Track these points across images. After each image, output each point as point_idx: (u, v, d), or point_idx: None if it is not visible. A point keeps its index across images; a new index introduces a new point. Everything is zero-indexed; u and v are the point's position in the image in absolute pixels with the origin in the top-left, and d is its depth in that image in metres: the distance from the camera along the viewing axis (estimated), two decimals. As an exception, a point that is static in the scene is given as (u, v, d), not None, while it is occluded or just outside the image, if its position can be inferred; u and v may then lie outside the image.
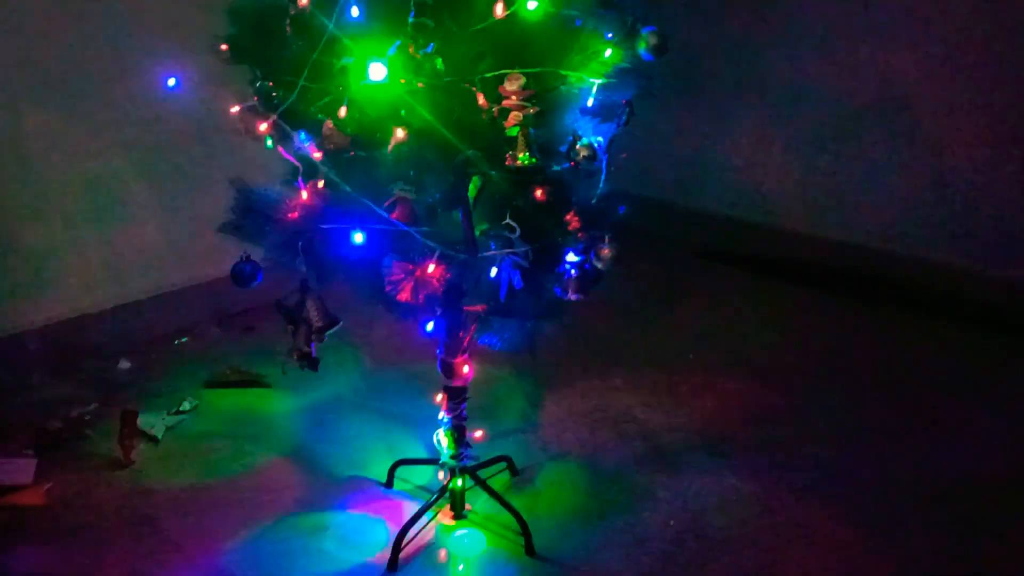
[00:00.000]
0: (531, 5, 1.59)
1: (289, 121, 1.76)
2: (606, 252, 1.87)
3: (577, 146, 1.74)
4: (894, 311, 2.85)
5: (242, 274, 1.77)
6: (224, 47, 1.80)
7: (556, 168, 1.78)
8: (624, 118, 1.87)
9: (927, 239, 2.77)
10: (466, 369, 1.99)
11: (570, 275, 1.88)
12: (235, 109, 1.78)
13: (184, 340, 2.88)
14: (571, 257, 1.87)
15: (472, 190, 1.81)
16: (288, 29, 1.63)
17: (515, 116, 1.66)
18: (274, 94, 1.77)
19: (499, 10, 1.57)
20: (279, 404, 2.55)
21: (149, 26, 2.49)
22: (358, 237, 1.71)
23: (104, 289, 2.73)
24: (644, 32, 1.71)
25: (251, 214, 1.82)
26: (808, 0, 2.69)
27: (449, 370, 1.99)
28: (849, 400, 2.50)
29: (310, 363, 1.81)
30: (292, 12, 1.62)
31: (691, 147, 3.24)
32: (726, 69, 3.02)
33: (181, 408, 2.51)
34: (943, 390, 2.48)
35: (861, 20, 2.63)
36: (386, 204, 1.67)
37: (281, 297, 1.82)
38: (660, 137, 3.17)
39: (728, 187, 3.23)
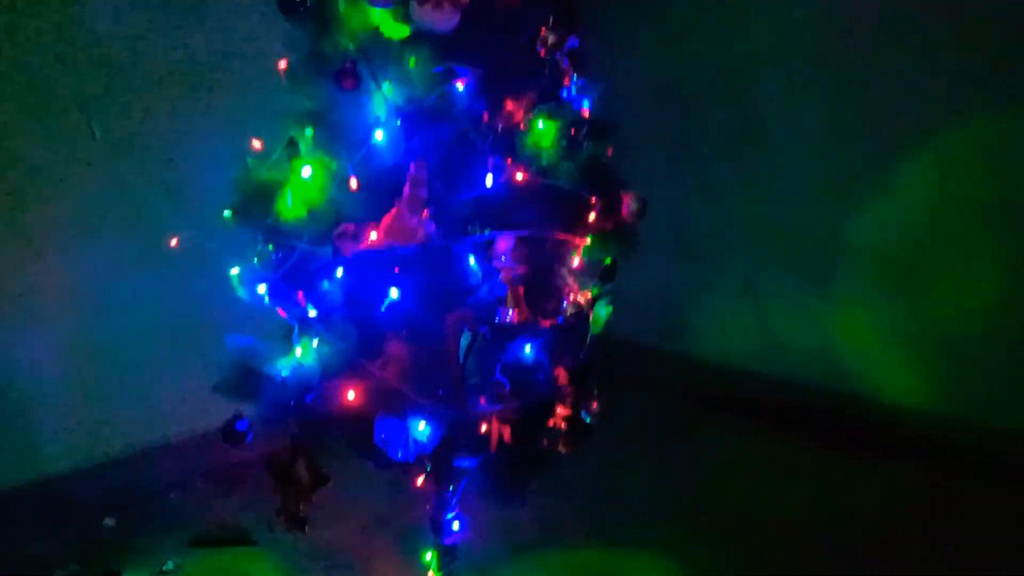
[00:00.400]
0: (520, 177, 1.70)
1: (288, 281, 1.83)
2: (595, 406, 1.90)
3: (564, 303, 1.81)
4: (882, 459, 2.84)
5: (234, 433, 1.78)
6: (228, 213, 1.90)
7: (545, 324, 1.84)
8: (608, 275, 1.96)
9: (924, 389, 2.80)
10: (457, 526, 1.97)
11: (560, 429, 1.90)
12: (235, 270, 1.85)
13: (173, 496, 2.83)
14: (560, 411, 1.90)
15: (463, 347, 1.86)
16: (289, 200, 1.73)
17: (505, 275, 1.74)
18: (274, 255, 1.85)
19: (489, 180, 1.67)
20: (266, 564, 2.48)
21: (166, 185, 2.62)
22: (350, 394, 1.74)
23: (93, 444, 2.71)
24: (624, 198, 1.82)
25: (245, 371, 1.85)
26: (794, 157, 2.84)
27: (439, 527, 1.96)
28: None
29: (298, 524, 1.79)
30: (293, 183, 1.72)
31: (680, 293, 3.34)
32: (711, 219, 3.15)
33: (164, 568, 2.43)
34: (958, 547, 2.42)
35: (843, 169, 2.77)
36: (378, 363, 1.71)
37: (271, 455, 1.82)
38: (650, 285, 3.28)
39: (719, 332, 3.30)
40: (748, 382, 3.17)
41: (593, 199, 1.83)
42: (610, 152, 1.95)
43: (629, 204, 1.83)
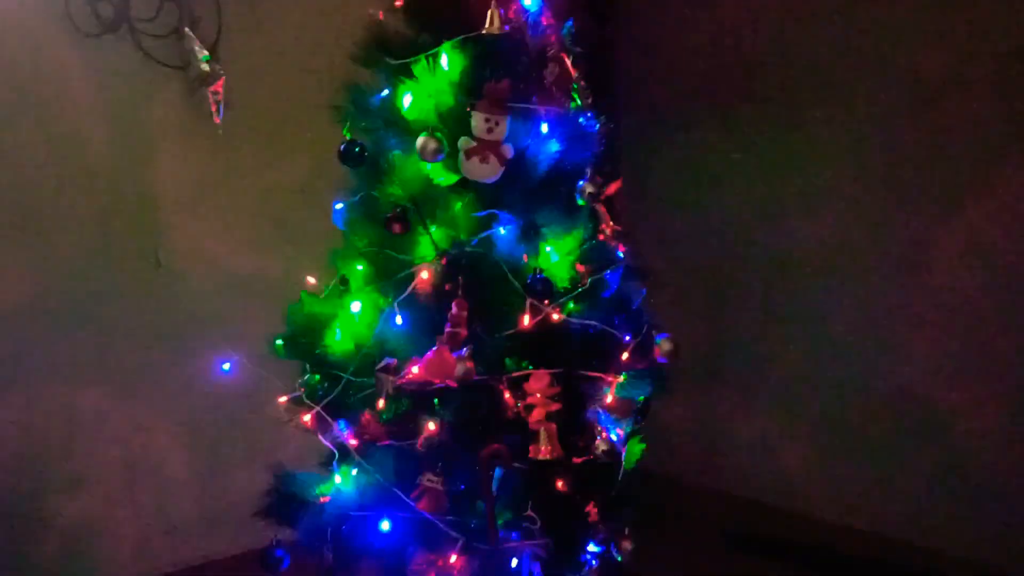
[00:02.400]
0: (555, 317, 1.80)
1: (330, 411, 1.93)
2: (627, 544, 1.92)
3: (597, 439, 1.86)
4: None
5: (271, 559, 1.83)
6: (279, 340, 2.02)
7: (577, 460, 1.89)
8: (642, 413, 2.01)
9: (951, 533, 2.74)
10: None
11: (591, 566, 1.91)
12: (283, 399, 1.95)
13: (204, 619, 2.85)
14: (592, 548, 1.92)
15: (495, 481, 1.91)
16: (337, 333, 1.85)
17: (539, 412, 1.81)
18: (319, 386, 1.95)
19: (526, 321, 1.77)
20: None
21: (212, 318, 2.77)
22: (385, 524, 1.79)
23: (133, 564, 2.77)
24: (659, 339, 1.90)
25: (285, 497, 1.92)
26: (819, 296, 2.91)
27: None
28: None
29: (328, 655, 1.80)
30: (342, 317, 1.84)
31: (711, 427, 3.35)
32: (742, 362, 3.20)
33: None
34: None
35: (874, 317, 2.83)
36: (413, 494, 1.77)
37: (306, 584, 1.86)
38: (680, 418, 3.30)
39: (750, 469, 3.28)
40: (786, 521, 3.12)
41: (627, 339, 1.90)
42: (644, 293, 2.04)
43: (662, 345, 1.89)
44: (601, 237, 2.03)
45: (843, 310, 2.90)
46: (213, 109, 2.60)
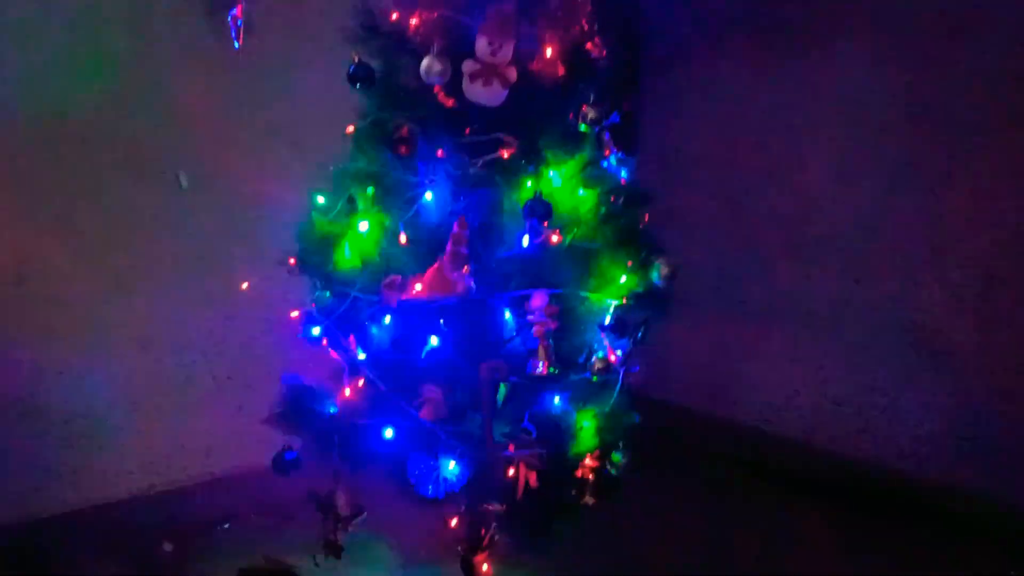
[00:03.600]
0: (555, 239, 1.87)
1: (340, 326, 2.04)
2: (620, 459, 2.02)
3: (593, 359, 1.96)
4: (925, 536, 2.83)
5: (283, 463, 1.97)
6: (292, 261, 2.13)
7: (574, 377, 1.99)
8: (640, 335, 2.09)
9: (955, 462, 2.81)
10: (485, 567, 2.09)
11: (586, 480, 2.03)
12: (295, 313, 2.06)
13: (226, 526, 3.03)
14: (587, 462, 2.03)
15: (500, 395, 2.02)
16: (346, 251, 1.95)
17: (538, 330, 1.90)
18: (329, 302, 2.06)
19: (525, 241, 1.85)
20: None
21: (233, 238, 2.88)
22: (388, 432, 1.91)
23: (159, 473, 2.95)
24: (658, 262, 1.97)
25: (297, 407, 2.06)
26: (845, 228, 2.94)
27: (470, 569, 2.09)
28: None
29: (334, 551, 1.95)
30: (350, 236, 1.94)
31: (715, 355, 3.42)
32: (759, 293, 3.25)
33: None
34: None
35: (897, 245, 2.85)
36: (416, 403, 1.88)
37: (314, 487, 2.00)
38: (699, 348, 3.38)
39: (756, 399, 3.35)
40: (797, 452, 3.20)
41: (628, 263, 1.97)
42: (646, 218, 2.10)
43: (661, 268, 1.96)
44: (605, 161, 2.09)
45: (865, 240, 2.93)
46: (233, 33, 2.67)
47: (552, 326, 1.90)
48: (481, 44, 1.78)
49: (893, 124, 2.77)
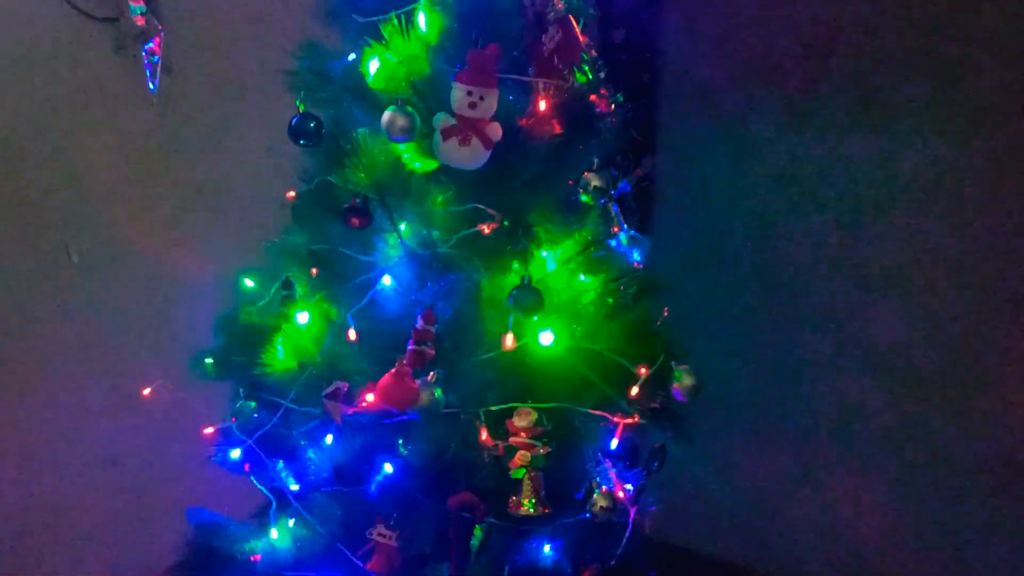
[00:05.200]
0: (545, 339, 1.87)
1: (267, 447, 2.01)
2: (630, 630, 1.97)
3: (595, 495, 1.93)
4: None
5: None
6: (209, 360, 2.12)
7: (570, 519, 1.95)
8: (656, 464, 2.07)
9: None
10: None
11: (585, 656, 1.97)
12: (209, 430, 2.04)
13: None
14: (586, 634, 1.98)
15: (474, 542, 1.98)
16: (279, 349, 1.94)
17: (522, 456, 1.88)
18: (255, 415, 2.04)
19: (508, 342, 1.85)
20: None
21: (134, 328, 2.87)
22: (326, 589, 1.87)
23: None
24: (677, 370, 1.96)
25: (207, 553, 2.00)
26: (910, 329, 2.95)
27: None
28: None
29: None
30: (285, 330, 1.93)
31: (755, 489, 3.37)
32: (802, 411, 3.24)
33: None
34: None
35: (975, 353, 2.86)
36: (361, 552, 1.84)
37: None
38: (716, 476, 3.34)
39: (809, 549, 3.30)
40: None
41: (640, 370, 1.97)
42: (665, 313, 2.11)
43: (682, 379, 1.95)
44: (613, 242, 2.11)
45: (941, 346, 2.94)
46: (148, 73, 2.72)
47: (542, 451, 1.88)
48: (458, 95, 1.81)
49: (975, 202, 2.82)
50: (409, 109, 1.81)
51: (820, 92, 3.05)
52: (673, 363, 1.97)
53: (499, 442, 1.90)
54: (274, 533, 2.00)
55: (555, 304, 1.93)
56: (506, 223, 1.90)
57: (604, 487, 1.95)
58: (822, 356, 3.16)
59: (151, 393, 2.35)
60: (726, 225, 3.32)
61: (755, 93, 3.18)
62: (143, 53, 2.69)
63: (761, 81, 3.16)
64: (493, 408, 1.91)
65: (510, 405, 1.92)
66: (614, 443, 1.96)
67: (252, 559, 1.98)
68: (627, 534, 2.00)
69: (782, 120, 3.14)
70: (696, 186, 3.38)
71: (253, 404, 2.05)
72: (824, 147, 3.07)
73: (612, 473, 1.99)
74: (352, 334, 1.92)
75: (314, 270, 2.07)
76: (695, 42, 3.31)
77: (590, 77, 2.05)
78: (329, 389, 1.87)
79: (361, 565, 1.85)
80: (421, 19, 1.87)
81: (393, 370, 1.83)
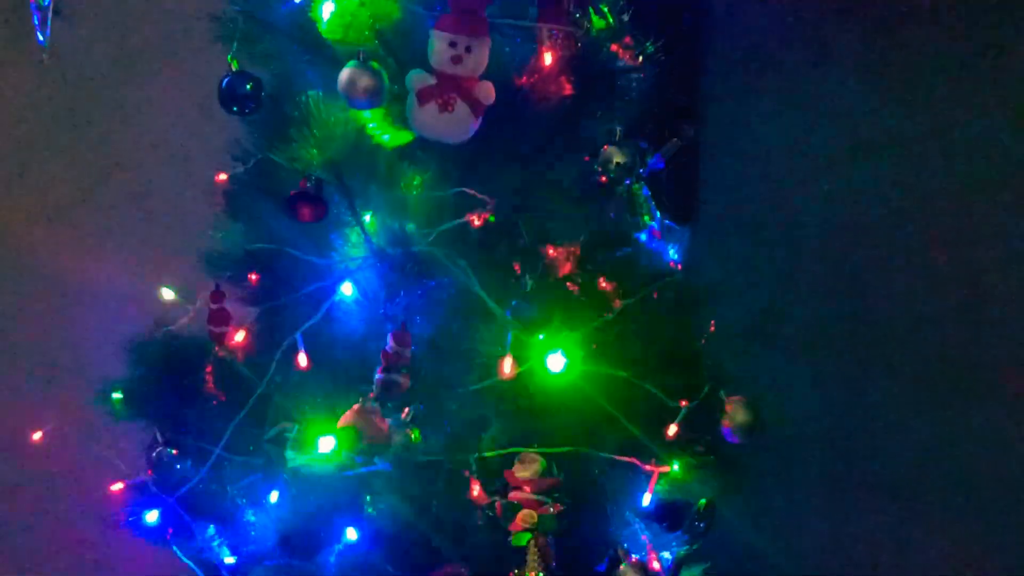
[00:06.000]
0: (555, 364, 1.87)
1: (194, 507, 2.01)
2: None
3: (622, 567, 1.93)
4: None
5: None
6: (118, 394, 2.12)
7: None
8: (702, 526, 2.07)
9: None
10: None
11: None
12: (118, 486, 2.04)
13: None
14: None
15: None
16: (208, 381, 1.95)
17: (526, 516, 1.88)
18: (177, 466, 2.04)
19: (507, 367, 1.85)
20: None
21: (21, 351, 2.87)
22: None
23: None
24: (728, 403, 1.97)
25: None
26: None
27: None
28: None
29: None
30: (214, 358, 1.94)
31: (828, 560, 3.36)
32: (901, 444, 3.22)
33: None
34: None
35: None
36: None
37: None
38: (770, 543, 3.32)
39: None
40: None
41: (681, 403, 1.97)
42: (712, 328, 2.12)
43: (734, 414, 1.95)
44: (642, 236, 2.11)
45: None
46: (35, 20, 2.73)
47: (552, 510, 1.88)
48: (438, 46, 1.82)
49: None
50: (375, 65, 1.81)
51: (929, 44, 3.04)
52: (722, 394, 1.98)
53: (496, 499, 1.90)
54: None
55: (567, 318, 1.93)
56: (502, 213, 1.91)
57: (633, 556, 1.95)
58: (922, 388, 3.14)
59: (42, 438, 2.35)
60: (792, 215, 3.30)
61: (833, 41, 3.18)
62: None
63: (841, 26, 3.15)
64: (488, 454, 1.92)
65: (510, 450, 1.93)
66: (647, 499, 1.95)
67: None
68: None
69: (870, 80, 3.13)
70: (753, 162, 3.37)
71: (175, 451, 2.05)
72: (930, 118, 3.05)
73: (644, 538, 1.99)
74: (303, 359, 1.92)
75: (253, 276, 2.07)
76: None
77: (610, 21, 2.05)
78: (274, 432, 1.87)
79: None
80: (388, -54, 1.88)
81: (356, 406, 1.84)
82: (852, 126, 3.16)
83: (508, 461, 1.92)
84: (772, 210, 3.31)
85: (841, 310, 3.25)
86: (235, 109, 1.98)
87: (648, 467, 1.95)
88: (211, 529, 2.02)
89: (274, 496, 1.97)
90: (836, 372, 3.27)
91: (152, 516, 2.04)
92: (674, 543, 2.03)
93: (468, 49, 1.80)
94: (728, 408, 1.96)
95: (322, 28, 1.88)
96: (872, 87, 3.11)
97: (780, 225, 3.30)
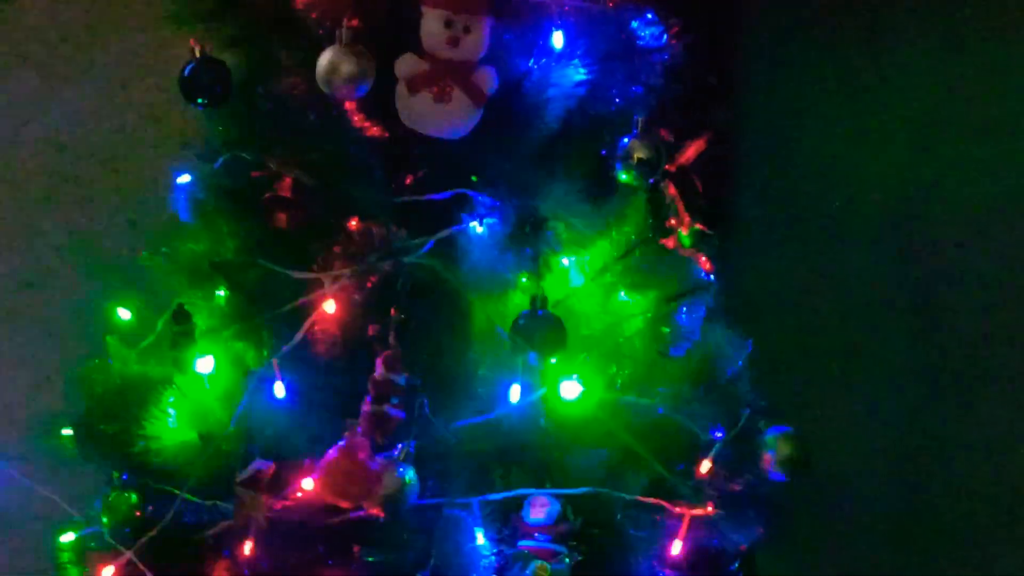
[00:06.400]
0: (570, 391, 1.87)
1: (156, 559, 2.01)
2: None
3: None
4: None
5: None
6: (67, 431, 2.11)
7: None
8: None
9: None
10: None
11: None
12: (67, 537, 2.04)
13: None
14: None
15: None
16: (170, 414, 1.94)
17: (539, 569, 1.88)
18: (136, 513, 2.04)
19: (515, 395, 1.85)
20: None
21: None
22: None
23: None
24: (770, 435, 1.96)
25: None
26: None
27: None
28: None
29: None
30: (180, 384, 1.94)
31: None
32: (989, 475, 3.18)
33: None
34: None
35: None
36: None
37: None
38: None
39: None
40: None
41: (715, 435, 1.97)
42: (749, 348, 2.11)
43: (778, 448, 1.95)
44: (669, 243, 2.11)
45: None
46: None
47: (567, 560, 1.88)
48: (431, 26, 1.82)
49: None
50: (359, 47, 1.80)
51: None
52: (763, 424, 1.97)
53: (503, 547, 1.89)
54: None
55: (583, 338, 1.94)
56: (507, 218, 1.91)
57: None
58: (1006, 420, 3.12)
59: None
60: (845, 216, 3.29)
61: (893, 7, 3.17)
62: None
63: None
64: (493, 497, 1.91)
65: (518, 492, 1.93)
66: (676, 547, 1.95)
67: None
68: None
69: (941, 54, 3.11)
70: (797, 154, 3.36)
71: (133, 497, 2.04)
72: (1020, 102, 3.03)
73: (676, 593, 1.98)
74: (280, 388, 1.92)
75: (221, 292, 2.07)
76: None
77: None
78: (247, 473, 1.87)
79: None
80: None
81: (342, 443, 1.84)
82: (917, 110, 3.13)
83: (516, 504, 1.91)
84: (821, 211, 3.28)
85: (905, 328, 3.22)
86: (200, 100, 1.96)
87: (678, 510, 1.94)
88: (175, 584, 2.00)
89: (247, 547, 1.96)
90: (900, 400, 3.25)
91: (108, 572, 2.03)
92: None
93: (467, 29, 1.81)
94: (770, 440, 1.95)
95: (297, 6, 1.90)
96: (943, 62, 3.08)
97: (830, 229, 3.28)
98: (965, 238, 3.09)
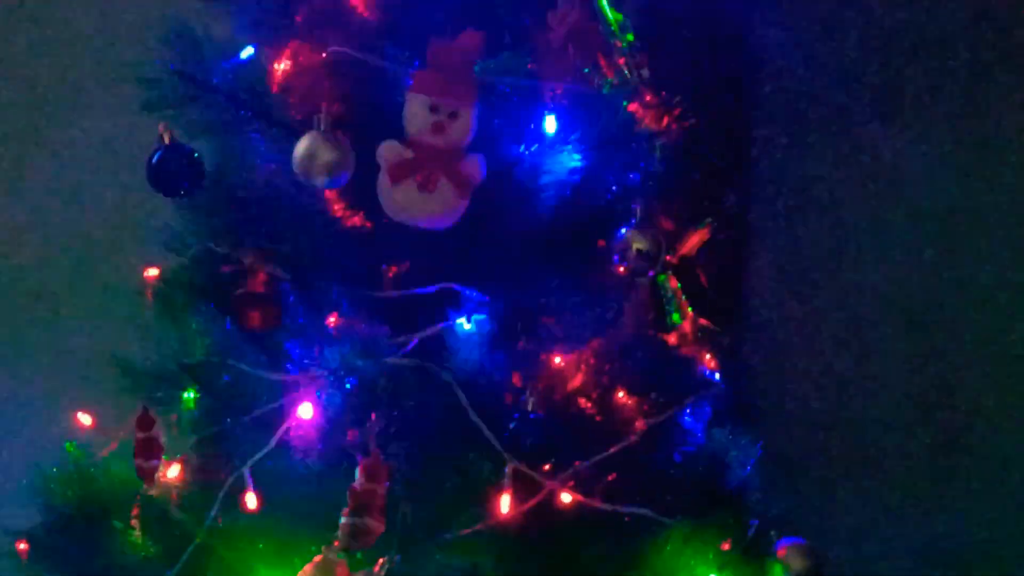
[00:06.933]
0: (566, 498, 1.91)
1: None
2: None
3: None
4: None
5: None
6: (22, 545, 2.14)
7: None
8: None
9: None
10: None
11: None
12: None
13: None
14: None
15: None
16: (135, 527, 1.97)
17: None
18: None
19: (505, 504, 1.89)
20: None
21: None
22: None
23: None
24: (780, 546, 2.00)
25: None
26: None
27: None
28: None
29: None
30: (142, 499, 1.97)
31: None
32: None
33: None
34: None
35: None
36: None
37: None
38: None
39: None
40: None
41: (723, 546, 2.01)
42: (759, 452, 2.14)
43: (790, 561, 1.98)
44: (671, 339, 2.14)
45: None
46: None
47: None
48: (415, 111, 1.87)
49: None
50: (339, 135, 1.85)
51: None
52: (773, 535, 2.01)
53: (494, 669, 1.92)
54: None
55: (578, 442, 1.98)
56: (496, 312, 1.94)
57: None
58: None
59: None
60: (867, 306, 3.30)
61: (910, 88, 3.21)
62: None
63: (919, 67, 3.18)
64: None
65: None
66: None
67: None
68: None
69: (958, 137, 3.15)
70: (814, 240, 3.38)
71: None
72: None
73: None
74: (251, 499, 1.96)
75: (189, 396, 2.10)
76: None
77: (628, 76, 2.08)
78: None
79: None
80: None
81: (318, 558, 1.86)
82: (939, 191, 3.16)
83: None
84: (840, 302, 3.28)
85: (929, 425, 3.23)
86: (169, 189, 2.00)
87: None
88: None
89: None
90: (928, 506, 3.25)
91: None
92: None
93: (453, 115, 1.85)
94: (781, 554, 1.98)
95: (273, 90, 1.96)
96: (965, 148, 3.12)
97: (850, 320, 3.28)
98: (991, 332, 3.12)
